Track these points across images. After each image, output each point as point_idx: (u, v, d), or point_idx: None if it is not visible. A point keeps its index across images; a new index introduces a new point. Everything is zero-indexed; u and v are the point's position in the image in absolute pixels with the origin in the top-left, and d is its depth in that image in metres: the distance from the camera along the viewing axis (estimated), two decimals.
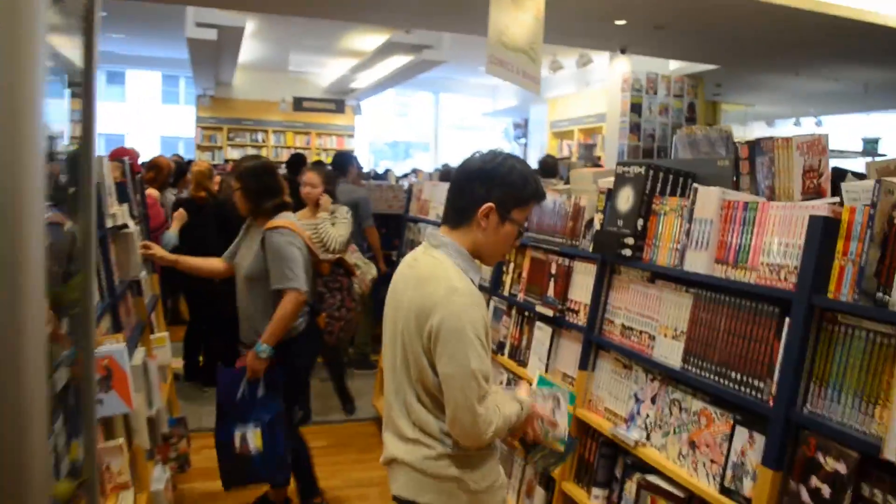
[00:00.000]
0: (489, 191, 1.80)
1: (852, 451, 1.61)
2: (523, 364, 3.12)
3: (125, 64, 18.83)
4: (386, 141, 26.74)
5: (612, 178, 2.92)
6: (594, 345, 2.63)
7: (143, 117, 23.68)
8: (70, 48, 1.39)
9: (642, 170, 2.44)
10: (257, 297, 3.32)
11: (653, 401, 2.30)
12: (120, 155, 5.52)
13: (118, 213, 3.23)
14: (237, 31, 9.94)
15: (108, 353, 2.31)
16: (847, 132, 15.89)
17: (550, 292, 2.92)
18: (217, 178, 6.36)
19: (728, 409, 2.00)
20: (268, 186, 3.36)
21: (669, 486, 2.14)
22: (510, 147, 19.61)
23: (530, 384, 2.14)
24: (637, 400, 2.36)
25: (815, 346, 1.76)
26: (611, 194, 2.63)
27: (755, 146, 2.27)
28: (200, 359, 6.13)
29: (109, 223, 3.07)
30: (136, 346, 3.52)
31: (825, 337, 1.74)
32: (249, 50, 12.89)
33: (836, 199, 2.04)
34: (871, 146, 13.82)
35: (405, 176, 11.46)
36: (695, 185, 2.24)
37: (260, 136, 16.56)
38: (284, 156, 16.19)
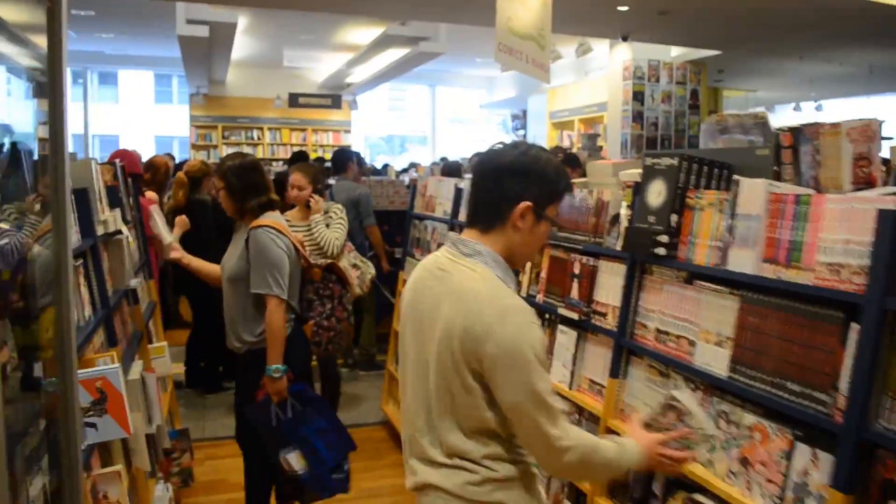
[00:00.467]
0: (526, 187, 1.63)
1: None
2: (544, 366, 2.93)
3: (117, 64, 18.60)
4: (381, 135, 26.52)
5: (633, 171, 2.74)
6: (625, 350, 2.45)
7: (136, 118, 23.43)
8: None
9: (675, 161, 2.25)
10: (239, 301, 3.13)
11: None
12: (120, 157, 5.31)
13: (110, 218, 3.04)
14: (229, 27, 9.72)
15: (102, 373, 2.12)
16: (848, 116, 15.69)
17: (574, 294, 2.74)
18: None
19: (786, 423, 1.82)
20: (252, 184, 3.16)
21: None
22: (508, 139, 19.41)
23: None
24: None
25: (889, 354, 1.57)
26: (639, 188, 2.44)
27: (799, 133, 2.08)
28: (202, 364, 5.95)
29: (101, 230, 2.88)
30: (133, 358, 3.34)
31: None
32: (242, 46, 12.68)
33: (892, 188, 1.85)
34: None
35: (405, 171, 11.27)
36: (736, 177, 2.06)
37: (255, 134, 16.35)
38: (280, 153, 16.01)
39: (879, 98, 15.83)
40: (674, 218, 2.23)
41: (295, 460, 3.06)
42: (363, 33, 11.53)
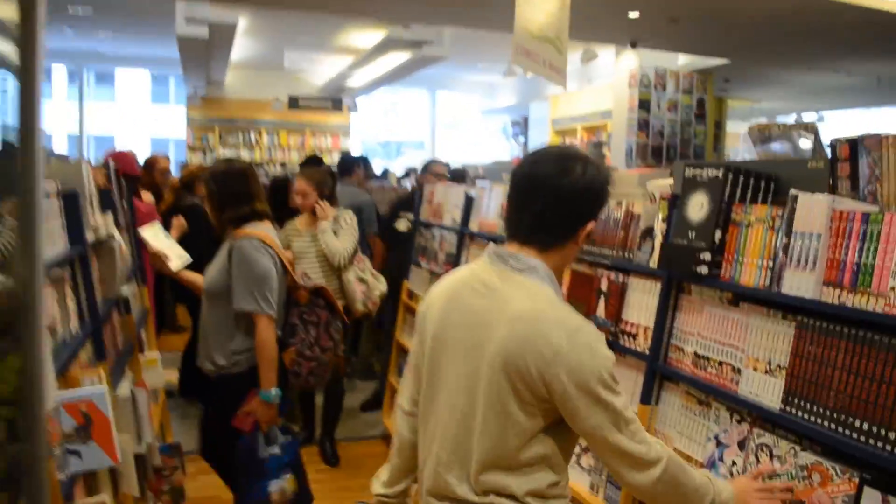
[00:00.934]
0: (595, 208, 1.54)
1: None
2: None
3: (114, 63, 18.39)
4: (378, 140, 26.35)
5: (662, 181, 2.56)
6: (658, 375, 2.26)
7: (133, 119, 23.23)
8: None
9: (719, 172, 2.06)
10: (216, 317, 2.92)
11: (741, 446, 1.92)
12: (116, 158, 5.08)
13: (101, 223, 2.84)
14: (229, 28, 9.54)
15: (87, 396, 1.93)
16: (850, 128, 15.59)
17: (600, 312, 2.55)
18: None
19: (851, 464, 1.63)
20: (233, 192, 2.93)
21: None
22: (509, 146, 19.25)
23: None
24: (720, 443, 1.99)
25: None
26: (676, 201, 2.26)
27: (858, 144, 1.90)
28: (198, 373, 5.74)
29: (91, 237, 2.68)
30: (124, 372, 3.14)
31: None
32: (242, 48, 12.49)
33: None
34: None
35: (406, 176, 11.08)
36: (793, 191, 1.87)
37: (253, 136, 16.15)
38: (278, 156, 15.80)
39: (887, 110, 15.72)
40: (717, 234, 2.05)
41: (288, 487, 2.85)
42: (365, 36, 11.35)
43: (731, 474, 1.90)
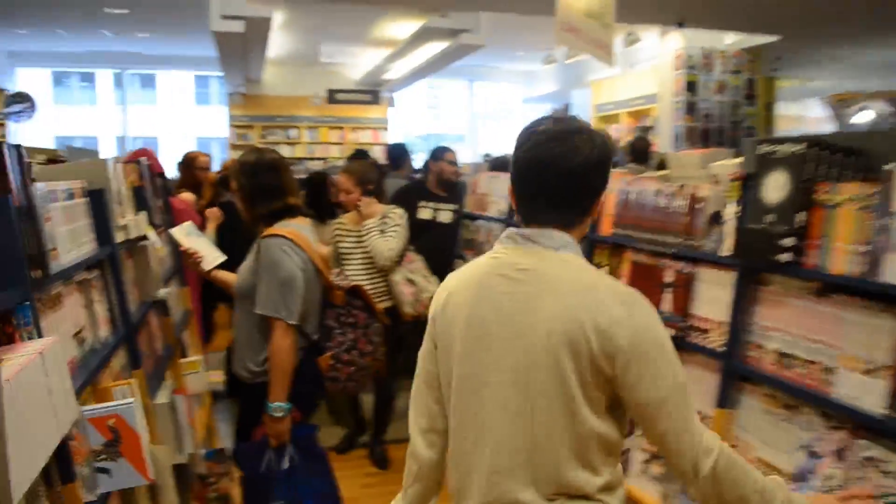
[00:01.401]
0: (605, 179, 1.48)
1: None
2: None
3: (155, 65, 18.53)
4: (418, 133, 26.20)
5: (727, 162, 2.33)
6: (736, 375, 2.05)
7: (176, 119, 23.46)
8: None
9: (800, 147, 1.84)
10: (246, 321, 2.76)
11: (839, 456, 1.70)
12: (136, 157, 4.98)
13: (132, 223, 2.71)
14: (264, 23, 9.45)
15: (114, 410, 1.79)
16: None
17: (666, 306, 2.34)
18: None
19: None
20: (264, 187, 2.75)
21: None
22: None
23: None
24: (813, 454, 1.77)
25: None
26: (748, 181, 2.04)
27: None
28: None
29: (121, 237, 2.55)
30: (163, 378, 3.02)
31: None
32: (278, 43, 12.43)
33: None
34: None
35: None
36: (890, 166, 1.64)
37: (293, 133, 16.13)
38: (318, 151, 15.75)
39: None
40: (800, 217, 1.82)
41: None
42: (402, 27, 11.19)
43: (831, 490, 1.68)
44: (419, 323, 5.68)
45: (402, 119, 20.79)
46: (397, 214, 3.93)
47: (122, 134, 18.04)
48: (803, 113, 14.75)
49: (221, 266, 3.31)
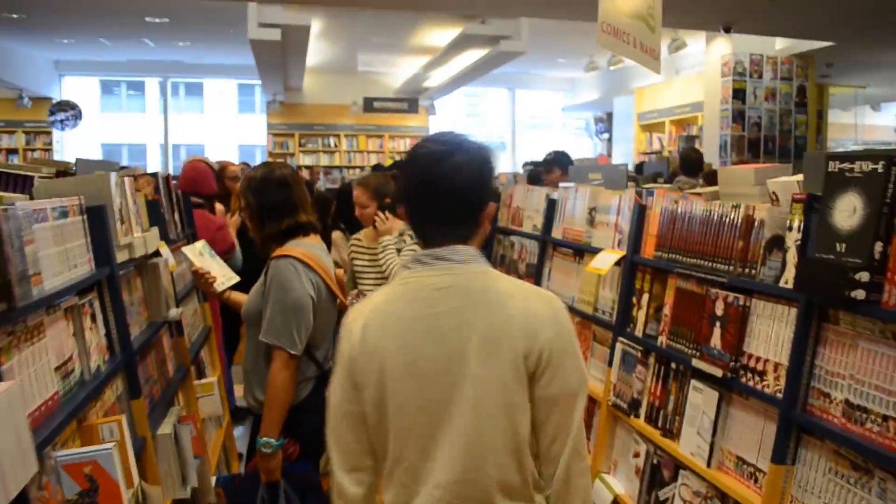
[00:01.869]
0: (490, 187, 1.55)
1: None
2: (671, 435, 2.29)
3: (198, 73, 18.68)
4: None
5: (786, 178, 2.08)
6: (796, 427, 1.79)
7: (221, 128, 23.67)
8: None
9: (878, 165, 1.58)
10: (253, 347, 2.56)
11: None
12: (193, 169, 4.80)
13: (138, 241, 2.54)
14: (302, 31, 9.37)
15: (92, 456, 1.61)
16: None
17: (715, 342, 2.08)
18: None
19: None
20: (273, 204, 2.56)
21: None
22: (591, 143, 18.62)
23: None
24: None
25: None
26: (813, 203, 1.78)
27: None
28: None
29: (124, 256, 2.38)
30: (173, 402, 2.85)
31: None
32: (317, 52, 12.37)
33: None
34: None
35: None
36: None
37: (332, 141, 16.09)
38: (357, 160, 15.66)
39: None
40: (878, 247, 1.56)
41: None
42: (440, 34, 11.03)
43: None
44: None
45: (442, 127, 20.64)
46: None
47: (168, 142, 18.18)
48: (856, 121, 14.21)
49: (238, 286, 3.14)
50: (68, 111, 14.67)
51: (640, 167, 9.47)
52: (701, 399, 2.12)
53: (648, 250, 2.56)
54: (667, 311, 2.38)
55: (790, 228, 1.86)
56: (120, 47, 13.31)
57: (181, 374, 3.12)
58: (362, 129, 16.03)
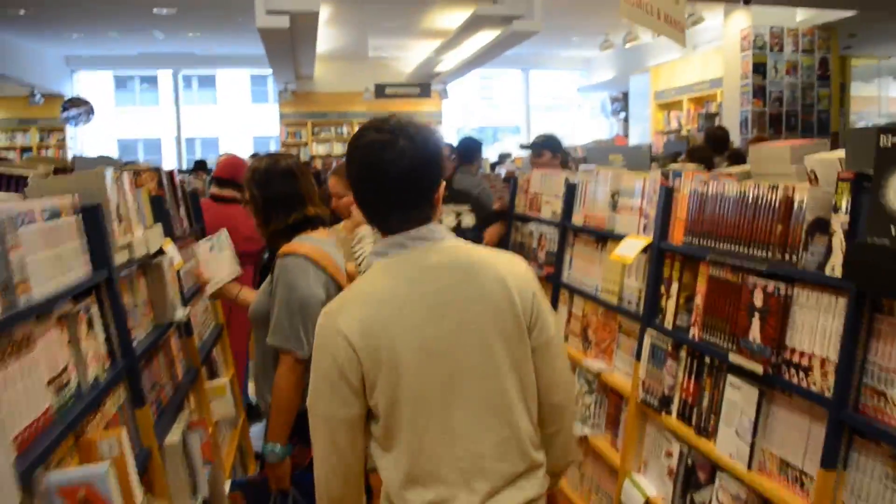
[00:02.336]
0: (440, 168, 1.55)
1: None
2: (706, 433, 2.15)
3: (209, 64, 18.58)
4: (473, 126, 25.78)
5: (826, 155, 1.91)
6: (847, 428, 1.64)
7: (234, 119, 23.60)
8: None
9: None
10: (261, 348, 2.45)
11: None
12: (227, 164, 4.64)
13: (139, 240, 2.42)
14: (311, 17, 9.20)
15: (85, 479, 1.49)
16: None
17: (753, 335, 1.94)
18: None
19: None
20: (278, 197, 2.42)
21: None
22: (607, 123, 18.35)
23: None
24: None
25: None
26: (861, 183, 1.63)
27: None
28: None
29: (123, 257, 2.26)
30: (182, 407, 2.75)
31: None
32: (327, 38, 12.21)
33: None
34: None
35: (498, 163, 10.53)
36: None
37: (345, 129, 15.95)
38: None
39: None
40: None
41: None
42: (452, 16, 10.84)
43: None
44: None
45: (455, 112, 20.45)
46: None
47: (180, 134, 18.14)
48: (880, 93, 13.84)
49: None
50: (80, 107, 14.63)
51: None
52: (739, 396, 1.98)
53: (677, 236, 2.41)
54: (699, 301, 2.23)
55: (836, 210, 1.70)
56: (130, 41, 13.22)
57: (191, 376, 3.02)
58: (375, 115, 15.85)
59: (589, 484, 3.00)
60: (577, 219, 3.25)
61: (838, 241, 1.68)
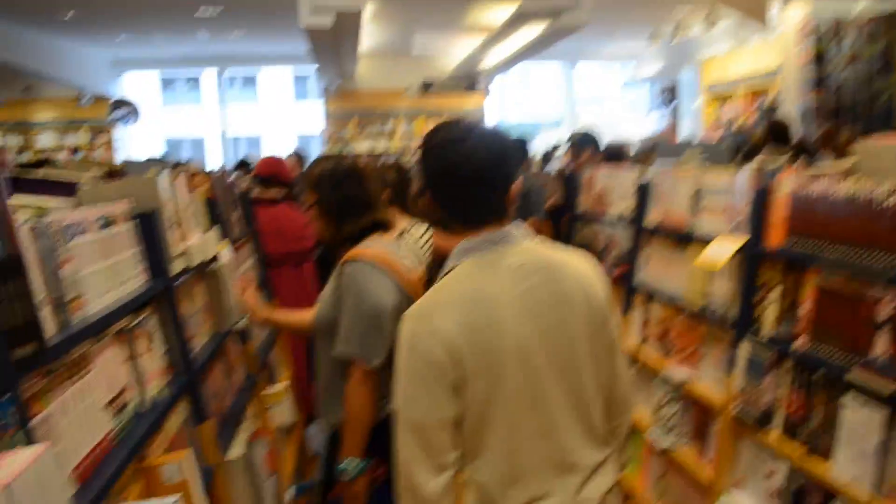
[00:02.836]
0: (516, 165, 1.72)
1: None
2: (818, 452, 1.94)
3: (253, 63, 18.63)
4: (514, 121, 25.54)
5: None
6: None
7: (277, 117, 23.67)
8: None
9: None
10: (326, 361, 2.30)
11: None
12: (268, 164, 4.48)
13: (196, 247, 2.30)
14: (355, 14, 9.11)
15: None
16: None
17: (878, 350, 1.73)
18: None
19: None
20: (350, 199, 2.29)
21: None
22: (655, 118, 17.97)
23: None
24: None
25: None
26: None
27: None
28: None
29: (180, 265, 2.14)
30: (241, 419, 2.62)
31: None
32: (371, 36, 12.12)
33: None
34: None
35: (548, 158, 10.31)
36: None
37: (389, 126, 15.86)
38: (416, 144, 15.38)
39: None
40: None
41: None
42: (496, 12, 10.65)
43: None
44: None
45: (497, 106, 20.24)
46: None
47: (224, 133, 18.23)
48: None
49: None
50: (127, 108, 14.79)
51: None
52: (861, 416, 1.77)
53: (775, 238, 2.20)
54: (806, 310, 2.03)
55: None
56: (174, 41, 13.27)
57: (250, 382, 2.90)
58: (419, 111, 15.74)
59: (672, 498, 2.81)
60: (653, 219, 3.05)
61: None
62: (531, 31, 10.73)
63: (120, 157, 14.11)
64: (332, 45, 10.58)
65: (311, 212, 2.36)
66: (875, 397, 1.74)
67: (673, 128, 15.34)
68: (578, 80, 19.82)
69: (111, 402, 1.55)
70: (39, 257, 1.33)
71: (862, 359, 1.78)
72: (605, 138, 8.10)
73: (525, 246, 1.52)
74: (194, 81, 23.99)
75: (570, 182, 4.29)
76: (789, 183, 2.14)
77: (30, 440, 1.10)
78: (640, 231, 3.14)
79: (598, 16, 10.26)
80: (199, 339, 2.31)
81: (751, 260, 2.29)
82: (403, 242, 2.48)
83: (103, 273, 1.64)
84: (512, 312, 1.44)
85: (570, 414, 1.48)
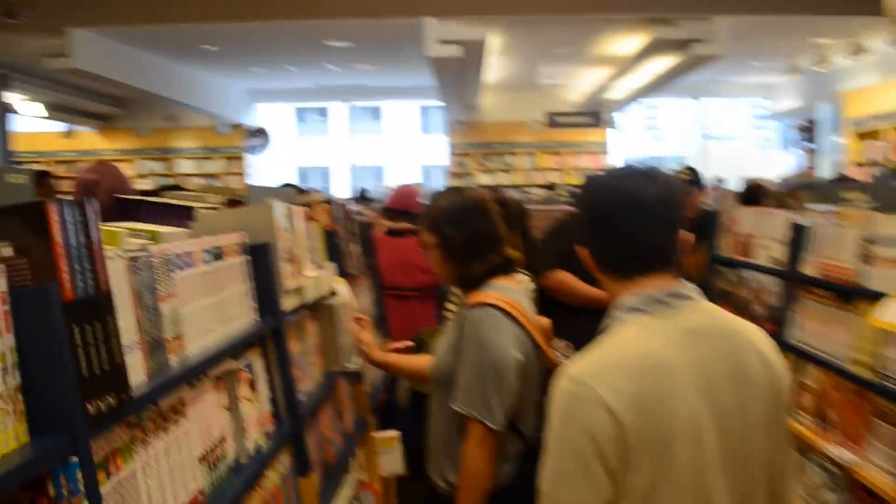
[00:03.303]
0: (680, 211, 1.37)
1: None
2: None
3: (380, 96, 19.00)
4: (638, 157, 24.90)
5: None
6: None
7: (401, 148, 24.09)
8: None
9: None
10: (442, 414, 2.08)
11: None
12: (402, 196, 4.37)
13: (310, 282, 2.16)
14: (479, 46, 9.11)
15: None
16: None
17: None
18: None
19: None
20: (479, 237, 2.07)
21: None
22: (791, 155, 16.99)
23: None
24: None
25: None
26: None
27: None
28: None
29: (293, 303, 2.00)
30: (348, 465, 2.47)
31: None
32: (496, 68, 12.11)
33: None
34: None
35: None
36: None
37: (511, 159, 15.76)
38: (537, 178, 15.15)
39: None
40: None
41: None
42: (623, 42, 10.36)
43: None
44: None
45: (621, 141, 19.75)
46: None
47: (350, 163, 18.68)
48: None
49: None
50: (261, 137, 15.46)
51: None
52: None
53: None
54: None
55: None
56: (305, 74, 13.71)
57: (361, 426, 2.75)
58: (540, 145, 15.58)
59: None
60: (810, 268, 2.70)
61: None
62: (662, 62, 10.36)
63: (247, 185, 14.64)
64: (457, 76, 10.60)
65: (433, 254, 2.16)
66: None
67: (811, 166, 14.43)
68: (705, 115, 19.09)
69: (205, 455, 1.41)
70: (135, 293, 1.21)
71: None
72: (737, 177, 7.59)
73: (703, 306, 1.35)
74: (320, 112, 24.80)
75: (706, 221, 3.95)
76: None
77: None
78: (795, 282, 2.79)
79: (733, 46, 9.80)
80: (308, 381, 2.16)
81: None
82: (521, 287, 2.25)
83: (208, 310, 1.51)
84: (691, 385, 1.25)
85: (734, 501, 1.28)
